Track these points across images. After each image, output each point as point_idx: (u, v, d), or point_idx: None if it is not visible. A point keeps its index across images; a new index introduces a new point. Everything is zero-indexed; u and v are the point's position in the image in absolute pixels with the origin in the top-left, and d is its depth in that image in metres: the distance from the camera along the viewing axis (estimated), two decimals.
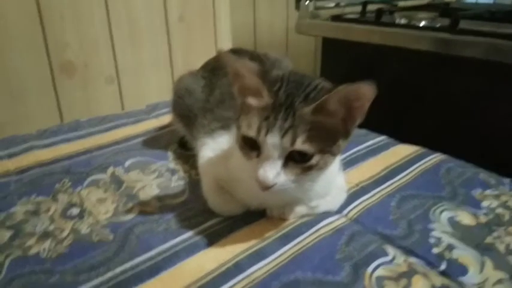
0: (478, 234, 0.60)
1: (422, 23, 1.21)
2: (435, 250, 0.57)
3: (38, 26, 1.02)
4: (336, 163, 0.62)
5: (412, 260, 0.55)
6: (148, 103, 1.17)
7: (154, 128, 1.01)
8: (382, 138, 0.90)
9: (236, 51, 0.75)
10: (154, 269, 0.53)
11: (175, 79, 1.10)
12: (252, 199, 0.63)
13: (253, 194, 0.61)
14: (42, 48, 1.04)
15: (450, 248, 0.58)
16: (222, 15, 1.38)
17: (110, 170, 0.78)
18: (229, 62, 0.53)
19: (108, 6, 1.13)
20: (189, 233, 0.60)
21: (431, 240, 0.59)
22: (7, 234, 0.61)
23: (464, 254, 0.56)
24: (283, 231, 0.60)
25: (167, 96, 0.93)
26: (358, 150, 0.85)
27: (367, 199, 0.69)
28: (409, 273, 0.53)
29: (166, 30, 1.26)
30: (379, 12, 1.23)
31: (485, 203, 0.68)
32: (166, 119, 1.04)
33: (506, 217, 0.64)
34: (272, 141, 0.49)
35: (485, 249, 0.57)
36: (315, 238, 0.59)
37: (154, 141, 0.93)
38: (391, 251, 0.57)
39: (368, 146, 0.87)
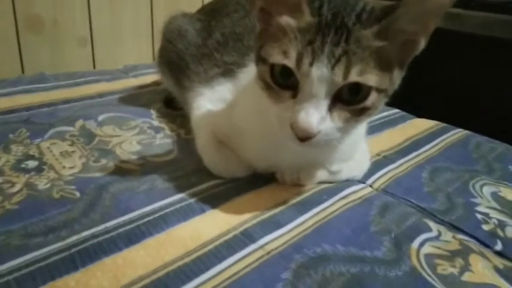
0: None
1: None
2: (485, 227, 0.47)
3: None
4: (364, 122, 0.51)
5: (461, 237, 0.45)
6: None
7: (132, 86, 0.86)
8: (396, 111, 0.81)
9: None
10: (135, 235, 0.40)
11: (156, 45, 0.97)
12: (260, 159, 0.51)
13: (262, 152, 0.50)
14: None
15: (502, 225, 0.48)
16: None
17: (79, 122, 0.64)
18: None
19: None
20: (180, 195, 0.47)
21: (478, 216, 0.49)
22: None
23: None
24: (299, 198, 0.48)
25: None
26: (374, 120, 0.73)
27: (394, 169, 0.58)
28: (464, 252, 0.42)
29: None
30: None
31: None
32: (148, 78, 0.89)
33: None
34: (319, 73, 0.36)
35: None
36: (341, 207, 0.47)
37: (134, 99, 0.78)
38: (433, 225, 0.46)
39: (383, 117, 0.76)
